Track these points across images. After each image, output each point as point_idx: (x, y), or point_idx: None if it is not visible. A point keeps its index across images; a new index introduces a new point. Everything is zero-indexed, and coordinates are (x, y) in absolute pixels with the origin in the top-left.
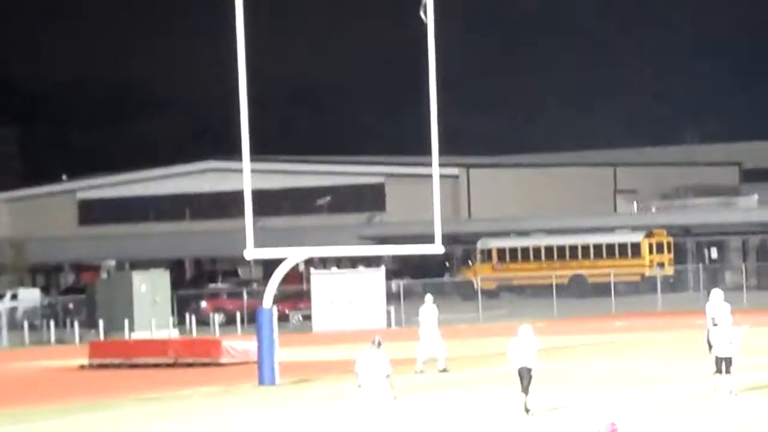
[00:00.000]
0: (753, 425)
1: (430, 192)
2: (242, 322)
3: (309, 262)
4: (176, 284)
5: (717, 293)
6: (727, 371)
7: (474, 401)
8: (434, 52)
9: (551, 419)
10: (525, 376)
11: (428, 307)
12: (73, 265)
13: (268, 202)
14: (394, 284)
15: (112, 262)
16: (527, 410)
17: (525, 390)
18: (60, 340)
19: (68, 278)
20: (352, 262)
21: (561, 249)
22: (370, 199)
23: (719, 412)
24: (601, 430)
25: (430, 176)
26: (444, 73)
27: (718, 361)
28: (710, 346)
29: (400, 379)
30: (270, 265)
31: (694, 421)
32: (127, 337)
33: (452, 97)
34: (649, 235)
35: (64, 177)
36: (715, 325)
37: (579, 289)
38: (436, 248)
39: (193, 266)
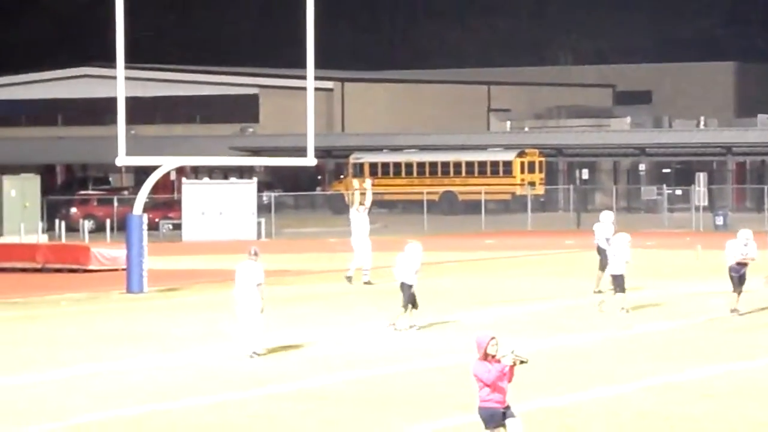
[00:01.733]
0: (640, 339)
1: (305, 105)
2: (112, 229)
3: (181, 172)
4: (47, 190)
5: (607, 215)
6: (621, 289)
7: (346, 315)
8: None
9: (428, 335)
10: (405, 291)
11: (361, 217)
12: None
13: (141, 111)
14: (265, 196)
15: None
16: (411, 326)
17: (405, 306)
18: None
19: None
20: (224, 173)
21: (433, 166)
22: (244, 110)
23: (607, 326)
24: (481, 344)
25: (304, 89)
26: None
27: (615, 278)
28: (603, 265)
29: (277, 290)
30: (141, 174)
31: (579, 335)
32: None
33: (328, 10)
34: (521, 154)
35: None
36: (609, 244)
37: (450, 207)
38: (308, 161)
39: (65, 172)
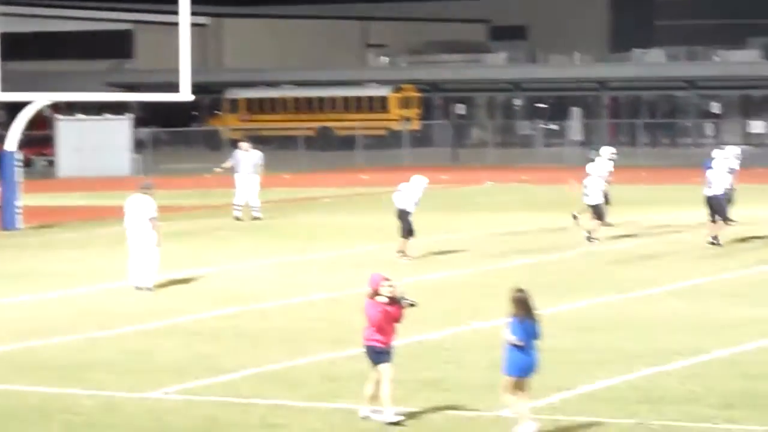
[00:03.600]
0: (513, 273)
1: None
2: None
3: (55, 108)
4: None
5: (607, 149)
6: (600, 218)
7: (231, 250)
8: None
9: (311, 270)
10: (404, 220)
11: (248, 154)
12: None
13: (14, 46)
14: (141, 132)
15: None
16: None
17: (405, 235)
18: None
19: None
20: (99, 109)
21: (309, 101)
22: (119, 45)
23: (477, 262)
24: (373, 283)
25: (179, 24)
26: None
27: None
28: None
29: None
30: (15, 110)
31: (456, 270)
32: None
33: None
34: (397, 90)
35: None
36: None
37: (326, 142)
38: (183, 96)
39: None
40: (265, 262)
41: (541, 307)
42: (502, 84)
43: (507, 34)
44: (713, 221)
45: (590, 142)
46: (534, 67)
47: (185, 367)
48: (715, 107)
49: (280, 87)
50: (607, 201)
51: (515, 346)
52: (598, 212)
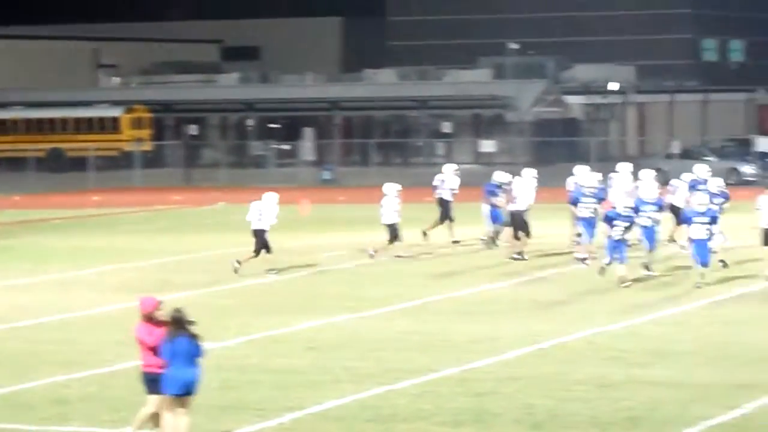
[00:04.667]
0: (245, 293)
1: None
2: None
3: None
4: None
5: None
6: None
7: None
8: None
9: (40, 293)
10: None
11: None
12: None
13: None
14: None
15: None
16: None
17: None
18: None
19: None
20: None
21: (39, 122)
22: None
23: (214, 281)
24: (146, 307)
25: None
26: None
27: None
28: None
29: None
30: None
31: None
32: None
33: None
34: (129, 110)
35: None
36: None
37: (57, 164)
38: None
39: None
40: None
41: (273, 327)
42: (234, 104)
43: (240, 54)
44: (517, 237)
45: (322, 162)
46: (266, 87)
47: None
48: (447, 126)
49: (10, 108)
50: (449, 217)
51: (169, 364)
52: (392, 232)
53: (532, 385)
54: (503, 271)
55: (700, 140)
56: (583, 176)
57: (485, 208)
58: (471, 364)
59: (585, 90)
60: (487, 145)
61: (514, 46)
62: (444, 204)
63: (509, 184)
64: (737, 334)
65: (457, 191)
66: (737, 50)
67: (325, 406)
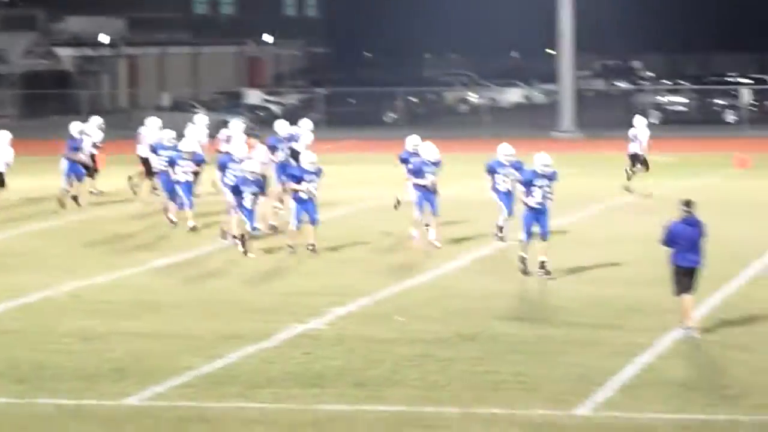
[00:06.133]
0: None
1: None
2: None
3: None
4: None
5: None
6: None
7: None
8: None
9: None
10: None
11: None
12: None
13: None
14: None
15: None
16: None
17: None
18: None
19: None
20: None
21: None
22: None
23: None
24: None
25: None
26: None
27: None
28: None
29: None
30: None
31: None
32: None
33: None
34: None
35: None
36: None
37: None
38: None
39: None
40: None
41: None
42: None
43: None
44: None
45: None
46: None
47: None
48: None
49: None
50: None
51: None
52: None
53: (17, 339)
54: None
55: (192, 93)
56: (151, 130)
57: None
58: None
59: (76, 42)
60: None
61: None
62: None
63: None
64: (177, 289)
65: None
66: (228, 3)
67: None
